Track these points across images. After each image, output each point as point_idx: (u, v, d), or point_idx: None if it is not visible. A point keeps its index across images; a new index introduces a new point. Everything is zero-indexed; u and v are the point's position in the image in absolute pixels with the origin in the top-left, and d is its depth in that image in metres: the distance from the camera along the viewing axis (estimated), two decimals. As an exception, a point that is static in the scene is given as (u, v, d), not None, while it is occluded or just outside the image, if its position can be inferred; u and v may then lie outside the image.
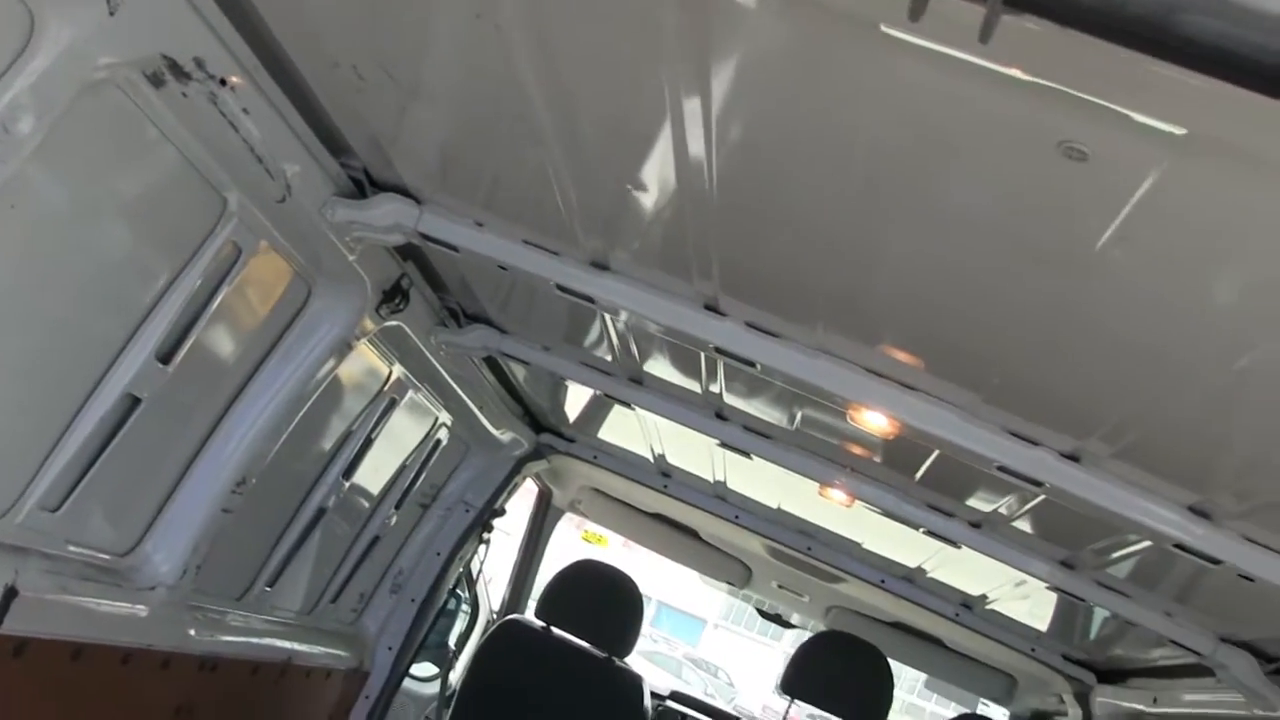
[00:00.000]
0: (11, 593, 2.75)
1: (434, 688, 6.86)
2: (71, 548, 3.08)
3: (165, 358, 2.98)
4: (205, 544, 3.48)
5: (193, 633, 3.74)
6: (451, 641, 6.90)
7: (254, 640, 4.35)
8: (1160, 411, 2.53)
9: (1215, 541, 2.92)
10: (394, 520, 5.21)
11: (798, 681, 5.60)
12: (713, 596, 52.75)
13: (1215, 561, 2.96)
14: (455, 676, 7.18)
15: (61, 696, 3.12)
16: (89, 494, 2.99)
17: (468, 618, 7.11)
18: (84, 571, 3.14)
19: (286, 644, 4.70)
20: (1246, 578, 2.98)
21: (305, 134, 2.87)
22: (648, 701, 5.93)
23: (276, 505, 4.22)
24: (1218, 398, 2.32)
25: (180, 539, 3.44)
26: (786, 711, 5.65)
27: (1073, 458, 2.92)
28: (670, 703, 6.55)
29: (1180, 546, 2.98)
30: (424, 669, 7.19)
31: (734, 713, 7.94)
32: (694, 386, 3.85)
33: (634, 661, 6.09)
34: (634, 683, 5.89)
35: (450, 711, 6.07)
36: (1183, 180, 1.76)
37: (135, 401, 2.97)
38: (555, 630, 5.95)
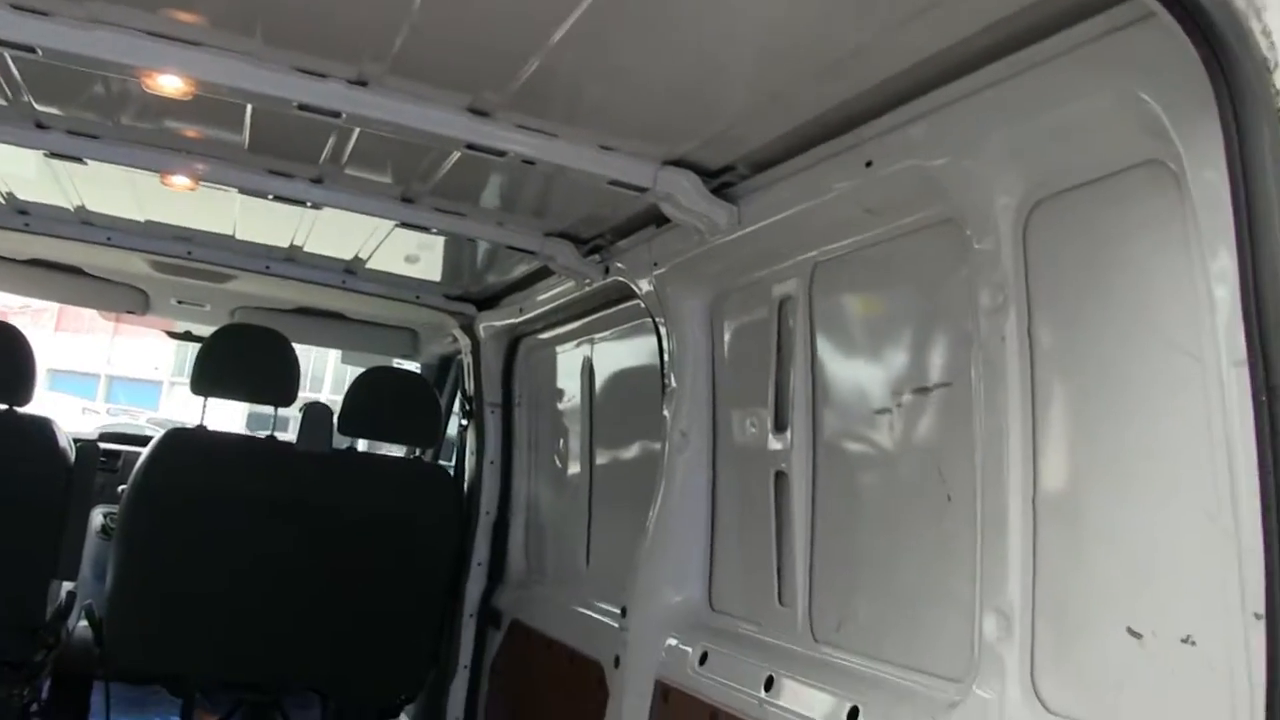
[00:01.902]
0: None
1: None
2: None
3: None
4: None
5: None
6: None
7: None
8: (431, 23, 2.81)
9: (496, 135, 3.35)
10: None
11: (204, 379, 5.77)
12: (161, 357, 51.26)
13: (500, 154, 3.42)
14: None
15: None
16: None
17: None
18: None
19: None
20: (528, 161, 3.48)
21: None
22: (64, 442, 5.91)
23: None
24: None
25: None
26: (203, 410, 5.82)
27: (360, 83, 3.21)
28: (94, 441, 6.55)
29: (471, 146, 3.40)
30: None
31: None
32: (4, 94, 3.75)
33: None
34: (43, 425, 5.84)
35: None
36: None
37: None
38: None
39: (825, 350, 3.26)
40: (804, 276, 3.30)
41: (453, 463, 6.96)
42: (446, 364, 7.31)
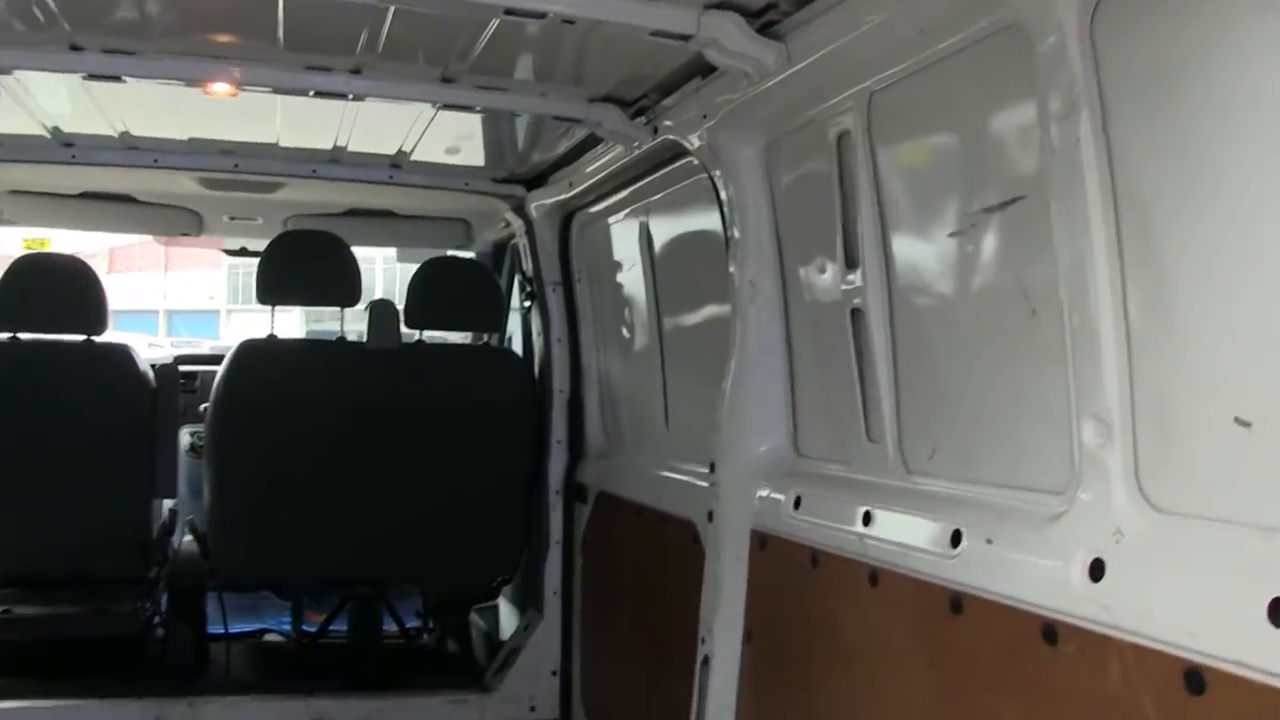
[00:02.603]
0: None
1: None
2: None
3: None
4: None
5: None
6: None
7: None
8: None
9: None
10: None
11: (269, 288, 5.83)
12: (215, 287, 51.96)
13: (540, 15, 3.36)
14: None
15: None
16: None
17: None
18: None
19: None
20: (568, 20, 3.42)
21: None
22: (144, 366, 6.03)
23: None
24: None
25: None
26: (271, 319, 5.89)
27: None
28: (172, 363, 6.65)
29: (510, 11, 3.34)
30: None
31: None
32: (36, 23, 3.73)
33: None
34: (122, 352, 5.95)
35: None
36: None
37: None
38: (22, 336, 5.86)
39: (890, 180, 3.20)
40: (861, 109, 3.23)
41: (515, 348, 7.00)
42: (500, 250, 7.30)
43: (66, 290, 5.85)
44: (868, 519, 3.16)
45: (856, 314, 3.35)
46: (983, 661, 2.63)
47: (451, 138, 5.45)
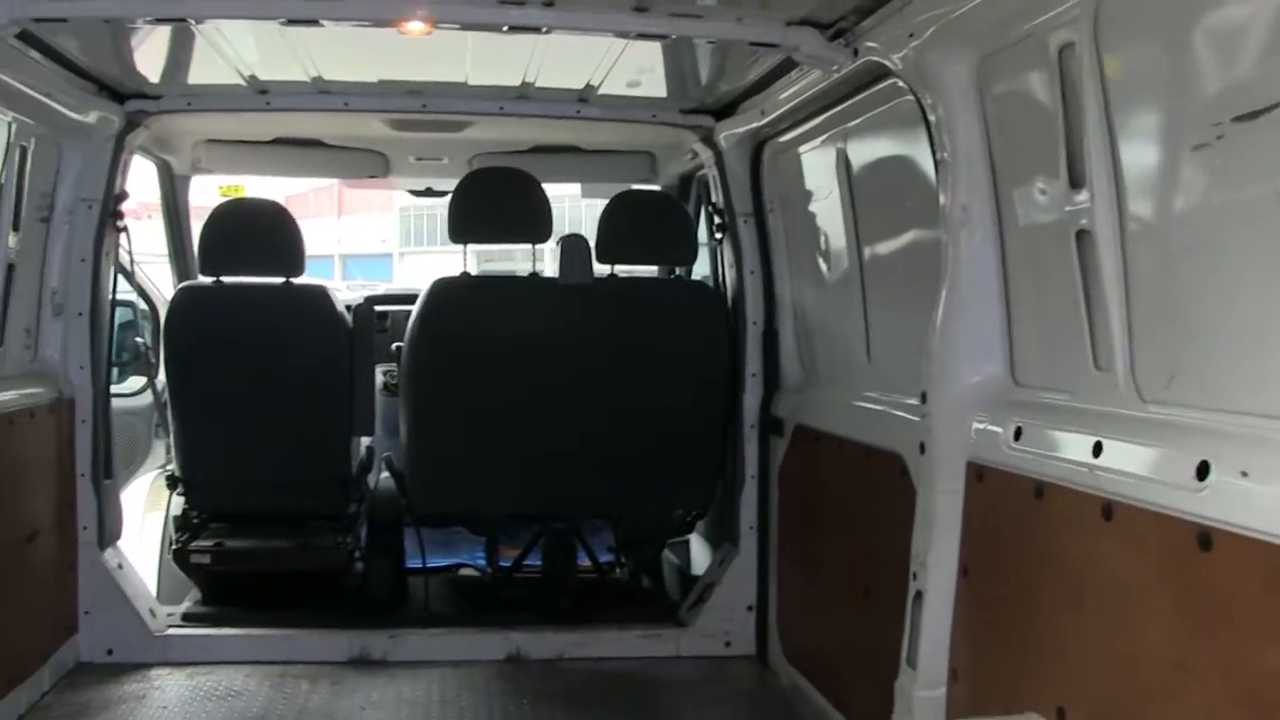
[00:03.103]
0: None
1: (148, 398, 6.92)
2: None
3: None
4: None
5: None
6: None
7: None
8: None
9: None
10: (19, 243, 5.07)
11: (460, 226, 5.89)
12: (388, 230, 53.34)
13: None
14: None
15: None
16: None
17: (150, 319, 7.09)
18: None
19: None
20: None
21: None
22: (340, 307, 6.18)
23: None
24: None
25: None
26: (464, 257, 5.96)
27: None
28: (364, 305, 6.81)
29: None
30: (132, 384, 7.19)
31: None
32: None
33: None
34: (320, 293, 6.11)
35: (167, 397, 6.18)
36: None
37: None
38: (226, 279, 6.06)
39: (1120, 91, 3.01)
40: (1087, 17, 3.04)
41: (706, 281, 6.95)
42: (686, 183, 7.24)
43: (267, 234, 6.02)
44: (1098, 450, 3.01)
45: (1082, 235, 3.18)
46: (1237, 603, 2.49)
47: (638, 70, 5.39)
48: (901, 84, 3.99)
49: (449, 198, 6.13)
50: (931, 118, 3.81)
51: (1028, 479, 3.32)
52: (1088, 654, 3.07)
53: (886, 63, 3.98)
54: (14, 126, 4.83)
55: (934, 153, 3.83)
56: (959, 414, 3.69)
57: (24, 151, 4.99)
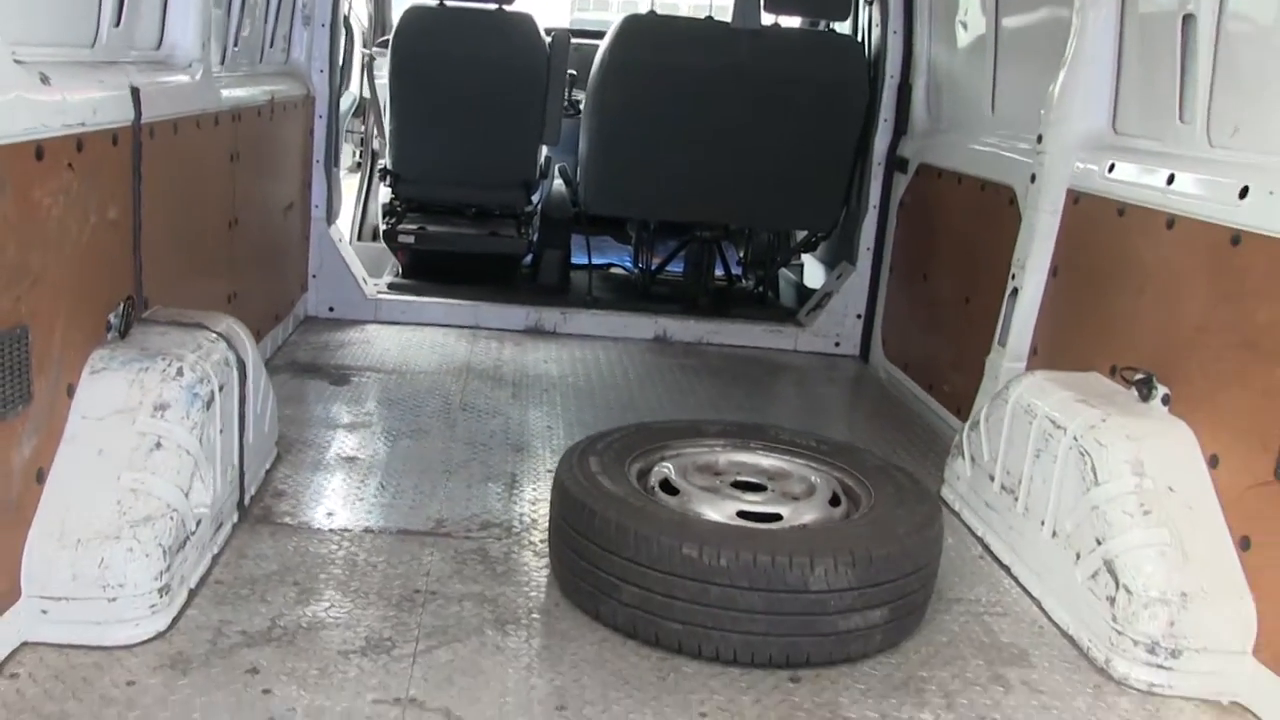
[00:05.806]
0: None
1: (347, 101, 8.11)
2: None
3: None
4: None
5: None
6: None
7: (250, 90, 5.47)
8: None
9: None
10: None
11: None
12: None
13: None
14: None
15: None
16: None
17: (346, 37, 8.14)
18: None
19: (269, 88, 5.83)
20: None
21: None
22: (542, 33, 7.22)
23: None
24: None
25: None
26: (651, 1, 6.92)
27: None
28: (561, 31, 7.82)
29: None
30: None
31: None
32: None
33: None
34: (527, 19, 7.15)
35: (389, 97, 7.31)
36: None
37: None
38: (448, 3, 7.11)
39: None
40: None
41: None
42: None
43: None
44: (1171, 179, 4.08)
45: (1187, 19, 4.15)
46: (1250, 278, 3.59)
47: None
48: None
49: None
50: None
51: (1113, 201, 4.41)
52: (1139, 328, 4.20)
53: None
54: None
55: (1073, -59, 4.76)
56: (1067, 153, 4.75)
57: None
